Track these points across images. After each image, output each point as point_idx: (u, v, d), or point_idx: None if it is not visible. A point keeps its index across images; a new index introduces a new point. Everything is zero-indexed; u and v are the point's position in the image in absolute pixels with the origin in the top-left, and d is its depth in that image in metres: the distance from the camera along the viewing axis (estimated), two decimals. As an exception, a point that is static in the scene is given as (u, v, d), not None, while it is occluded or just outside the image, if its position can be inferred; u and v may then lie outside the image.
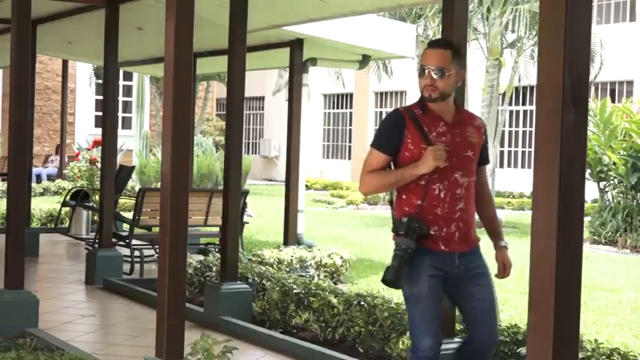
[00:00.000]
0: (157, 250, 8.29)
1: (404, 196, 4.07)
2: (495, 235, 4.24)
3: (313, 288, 6.88)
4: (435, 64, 3.99)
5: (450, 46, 4.13)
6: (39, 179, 22.73)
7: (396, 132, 4.04)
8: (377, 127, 4.27)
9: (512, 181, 24.34)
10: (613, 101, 17.29)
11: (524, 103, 25.47)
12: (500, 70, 18.82)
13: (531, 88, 23.86)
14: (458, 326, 5.42)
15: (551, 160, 2.63)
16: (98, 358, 5.80)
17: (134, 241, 9.68)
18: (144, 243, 9.91)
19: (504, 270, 4.22)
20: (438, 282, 4.04)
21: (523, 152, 25.96)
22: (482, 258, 4.15)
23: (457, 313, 5.63)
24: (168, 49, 5.00)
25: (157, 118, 26.56)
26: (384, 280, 3.97)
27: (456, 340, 5.20)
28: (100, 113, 11.33)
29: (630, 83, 23.28)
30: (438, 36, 18.88)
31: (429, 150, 3.95)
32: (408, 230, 3.94)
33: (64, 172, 20.25)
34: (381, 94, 30.00)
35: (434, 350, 4.03)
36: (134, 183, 19.44)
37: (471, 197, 4.07)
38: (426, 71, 4.00)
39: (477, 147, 4.11)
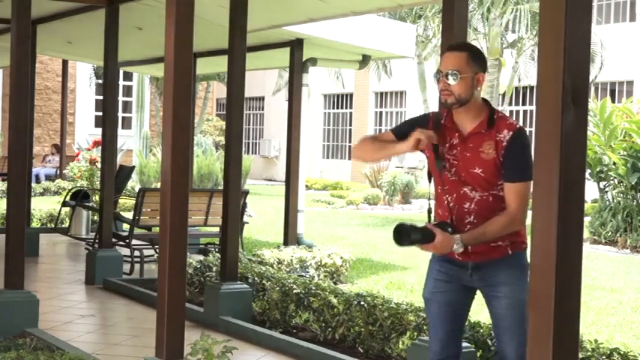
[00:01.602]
0: (157, 250, 8.29)
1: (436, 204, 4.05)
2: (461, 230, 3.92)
3: (313, 288, 6.88)
4: (449, 67, 3.86)
5: (465, 48, 3.97)
6: (37, 179, 22.72)
7: (418, 125, 3.97)
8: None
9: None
10: (613, 101, 17.28)
11: (524, 103, 25.46)
12: (500, 70, 18.84)
13: (531, 88, 23.86)
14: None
15: (551, 160, 2.62)
16: (98, 358, 5.80)
17: (134, 241, 9.68)
18: (144, 243, 9.92)
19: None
20: (445, 287, 3.97)
21: (523, 152, 25.92)
22: (508, 270, 3.89)
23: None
24: (168, 49, 5.00)
25: (157, 118, 26.57)
26: (400, 226, 3.83)
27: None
28: (100, 113, 11.33)
29: (630, 83, 23.28)
30: (438, 36, 18.88)
31: (417, 131, 3.87)
32: (439, 225, 3.89)
33: (63, 172, 20.25)
34: (381, 94, 30.00)
35: (439, 355, 4.01)
36: (134, 183, 19.44)
37: (485, 211, 3.86)
38: (440, 75, 3.89)
39: (489, 163, 3.84)
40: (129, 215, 11.50)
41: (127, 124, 29.63)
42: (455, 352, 4.02)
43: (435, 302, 4.01)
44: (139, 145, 24.08)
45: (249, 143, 35.27)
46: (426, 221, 3.95)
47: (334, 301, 6.54)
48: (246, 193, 10.18)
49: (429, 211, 4.00)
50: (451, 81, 3.83)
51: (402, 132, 4.00)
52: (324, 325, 6.59)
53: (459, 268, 3.94)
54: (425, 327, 5.71)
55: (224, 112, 19.04)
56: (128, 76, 29.02)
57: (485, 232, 3.84)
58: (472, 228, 3.87)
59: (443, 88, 3.86)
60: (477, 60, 3.90)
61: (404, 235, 3.78)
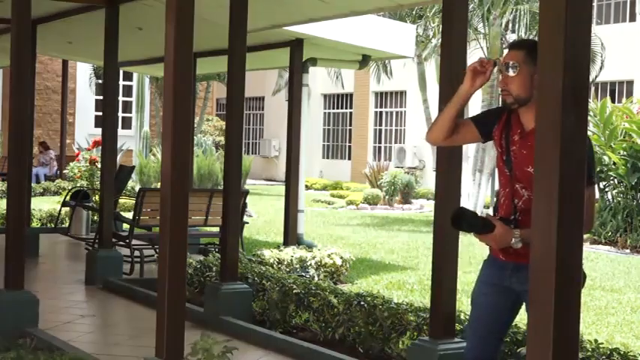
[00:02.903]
0: (157, 250, 8.29)
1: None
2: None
3: (313, 288, 6.88)
4: (507, 60, 3.79)
5: (524, 45, 3.84)
6: (37, 179, 22.72)
7: (492, 116, 3.97)
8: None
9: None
10: (613, 101, 17.29)
11: (524, 103, 25.43)
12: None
13: (531, 88, 23.82)
14: (458, 326, 5.42)
15: (551, 160, 2.62)
16: (98, 358, 5.80)
17: (134, 241, 9.68)
18: (144, 243, 9.92)
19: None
20: (487, 289, 3.95)
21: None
22: None
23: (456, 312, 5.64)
24: (168, 49, 5.00)
25: (157, 118, 26.57)
26: (462, 209, 3.80)
27: (456, 340, 5.20)
28: (100, 113, 11.32)
29: (630, 83, 23.27)
30: (438, 36, 18.89)
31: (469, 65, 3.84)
32: (501, 219, 3.85)
33: (63, 172, 20.25)
34: (381, 94, 29.99)
35: (470, 355, 4.01)
36: (134, 183, 19.45)
37: (530, 211, 3.79)
38: (499, 67, 3.80)
39: None
40: (129, 215, 11.50)
41: (127, 124, 29.63)
42: (488, 356, 3.98)
43: (476, 304, 4.02)
44: (139, 145, 24.09)
45: (249, 143, 35.26)
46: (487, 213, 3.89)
47: (334, 301, 6.54)
48: (246, 193, 10.18)
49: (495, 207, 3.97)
50: (511, 73, 3.76)
51: (479, 120, 3.99)
52: (324, 325, 6.59)
53: (501, 270, 3.91)
54: (425, 327, 5.72)
55: (224, 112, 19.04)
56: (128, 76, 29.01)
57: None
58: (517, 224, 3.81)
59: (502, 88, 3.81)
60: (534, 56, 3.69)
61: (463, 219, 3.75)
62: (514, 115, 3.91)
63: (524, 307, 3.93)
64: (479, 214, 3.82)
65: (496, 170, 4.15)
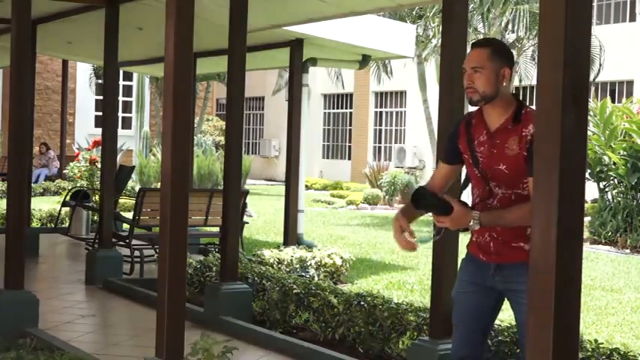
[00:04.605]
0: (157, 250, 8.29)
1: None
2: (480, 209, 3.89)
3: (313, 288, 6.88)
4: (471, 63, 3.82)
5: (488, 44, 3.89)
6: (37, 180, 22.72)
7: (452, 137, 4.00)
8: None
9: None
10: (613, 101, 17.28)
11: (524, 103, 25.42)
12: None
13: (531, 88, 23.86)
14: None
15: (551, 160, 2.62)
16: (98, 358, 5.80)
17: (134, 241, 9.68)
18: (144, 243, 9.92)
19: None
20: (470, 287, 3.97)
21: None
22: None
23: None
24: (168, 49, 5.00)
25: (157, 118, 26.57)
26: (422, 188, 3.81)
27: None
28: (100, 113, 11.31)
29: (630, 83, 23.27)
30: (438, 36, 18.89)
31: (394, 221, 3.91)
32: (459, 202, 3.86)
33: (63, 172, 20.25)
34: (381, 94, 29.99)
35: (457, 354, 4.02)
36: (134, 183, 19.45)
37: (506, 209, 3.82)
38: (463, 72, 3.85)
39: (512, 160, 3.77)
40: (129, 215, 11.50)
41: (127, 124, 29.63)
42: (474, 354, 4.00)
43: (458, 302, 4.03)
44: (139, 145, 24.08)
45: (249, 143, 35.25)
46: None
47: (334, 301, 6.55)
48: (246, 193, 10.18)
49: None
50: (474, 76, 3.79)
51: (448, 155, 4.04)
52: (324, 325, 6.59)
53: (483, 269, 3.93)
54: (425, 327, 5.72)
55: (224, 112, 19.05)
56: (128, 76, 29.01)
57: (504, 215, 3.80)
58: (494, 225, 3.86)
59: (467, 86, 3.83)
60: (500, 54, 3.83)
61: (422, 199, 3.76)
62: (476, 118, 3.92)
63: (506, 304, 3.98)
64: (439, 195, 3.82)
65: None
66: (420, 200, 3.77)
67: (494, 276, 3.89)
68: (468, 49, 4.01)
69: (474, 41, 4.09)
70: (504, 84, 3.83)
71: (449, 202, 3.76)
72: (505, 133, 3.81)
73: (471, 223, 3.78)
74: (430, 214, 3.89)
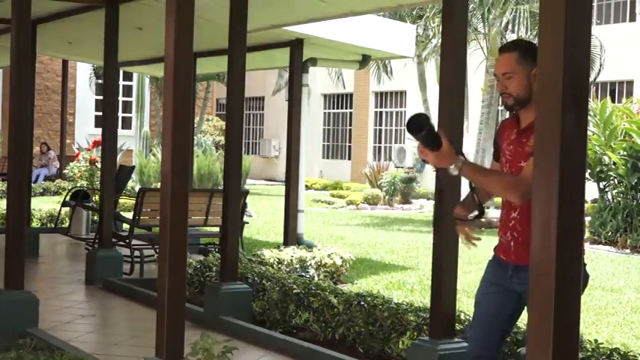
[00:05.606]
0: (157, 250, 8.29)
1: None
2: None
3: (313, 288, 6.88)
4: (500, 70, 3.85)
5: (513, 48, 3.89)
6: (36, 180, 22.72)
7: (495, 140, 4.07)
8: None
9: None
10: (613, 101, 17.28)
11: (524, 103, 25.41)
12: (500, 70, 18.79)
13: (531, 88, 23.82)
14: (458, 326, 5.42)
15: (551, 160, 2.62)
16: (98, 358, 5.80)
17: (134, 241, 9.68)
18: (144, 243, 9.92)
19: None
20: (490, 289, 3.98)
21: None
22: None
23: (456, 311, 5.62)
24: (168, 49, 4.99)
25: (157, 118, 26.57)
26: (421, 116, 3.64)
27: (456, 340, 5.19)
28: (100, 113, 11.32)
29: (630, 83, 23.27)
30: (438, 36, 18.89)
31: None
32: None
33: (63, 172, 20.25)
34: (381, 94, 29.99)
35: (471, 353, 4.03)
36: (134, 183, 19.45)
37: (527, 207, 3.64)
38: (496, 79, 3.88)
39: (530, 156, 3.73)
40: (129, 215, 11.50)
41: (127, 124, 29.63)
42: (489, 355, 3.99)
43: (480, 303, 4.04)
44: (139, 145, 24.09)
45: (249, 143, 35.26)
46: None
47: (334, 301, 6.54)
48: (246, 193, 10.18)
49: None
50: (505, 82, 3.81)
51: (495, 152, 4.08)
52: (324, 325, 6.59)
53: (503, 270, 3.93)
54: (425, 327, 5.72)
55: (224, 112, 19.04)
56: (128, 76, 29.02)
57: (486, 173, 3.86)
58: (516, 223, 3.84)
59: (502, 92, 3.86)
60: (528, 56, 3.81)
61: (416, 124, 3.56)
62: (513, 118, 3.96)
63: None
64: (435, 129, 3.65)
65: None
66: (413, 125, 3.56)
67: (512, 277, 3.89)
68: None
69: (500, 46, 4.06)
70: (537, 85, 3.78)
71: (441, 137, 3.64)
72: (530, 131, 3.78)
73: (452, 166, 3.65)
74: (417, 143, 3.68)
